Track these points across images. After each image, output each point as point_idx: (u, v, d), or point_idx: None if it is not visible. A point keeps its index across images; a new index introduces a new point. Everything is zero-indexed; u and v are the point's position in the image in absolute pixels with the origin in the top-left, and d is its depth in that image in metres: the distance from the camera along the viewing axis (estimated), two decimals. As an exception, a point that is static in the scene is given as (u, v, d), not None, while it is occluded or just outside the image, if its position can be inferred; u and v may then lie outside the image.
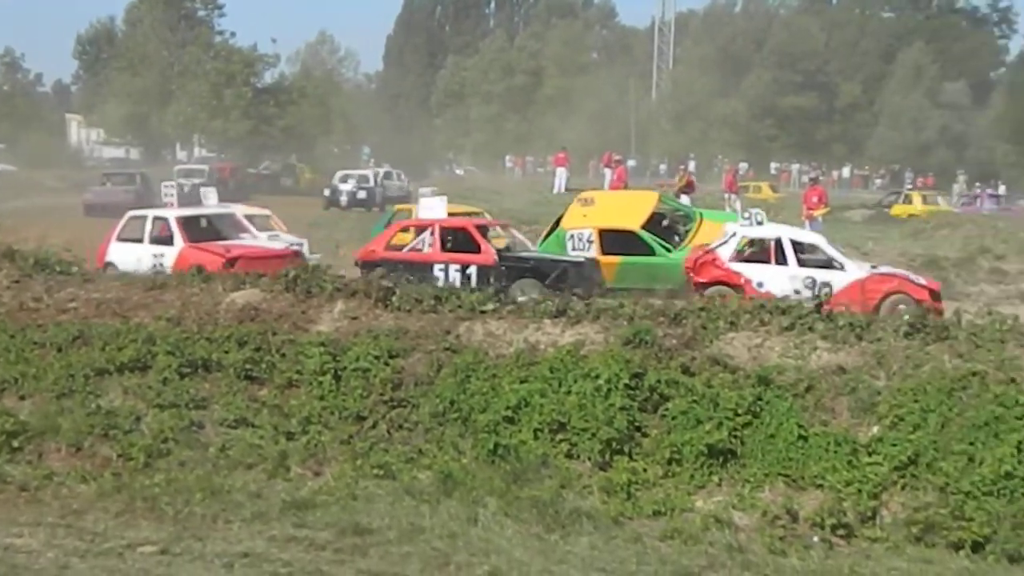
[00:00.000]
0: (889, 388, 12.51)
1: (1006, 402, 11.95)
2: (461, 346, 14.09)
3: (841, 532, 11.06)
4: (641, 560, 10.14)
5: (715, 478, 12.01)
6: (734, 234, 21.98)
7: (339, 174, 51.80)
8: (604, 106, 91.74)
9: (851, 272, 21.30)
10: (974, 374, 12.42)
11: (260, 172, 63.75)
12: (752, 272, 21.44)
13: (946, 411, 12.06)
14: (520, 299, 16.12)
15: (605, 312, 14.31)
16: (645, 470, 12.09)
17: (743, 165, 79.01)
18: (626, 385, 12.68)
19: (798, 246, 21.71)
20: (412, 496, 11.52)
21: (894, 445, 11.77)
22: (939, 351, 13.03)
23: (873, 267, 22.50)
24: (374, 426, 13.32)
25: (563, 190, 47.49)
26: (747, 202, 40.78)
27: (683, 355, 13.37)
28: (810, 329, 13.54)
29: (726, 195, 43.54)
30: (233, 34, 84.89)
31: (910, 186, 70.93)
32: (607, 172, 48.30)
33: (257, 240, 24.96)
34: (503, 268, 21.50)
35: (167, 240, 23.58)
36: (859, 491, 11.38)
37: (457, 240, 22.96)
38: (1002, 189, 79.85)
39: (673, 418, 12.54)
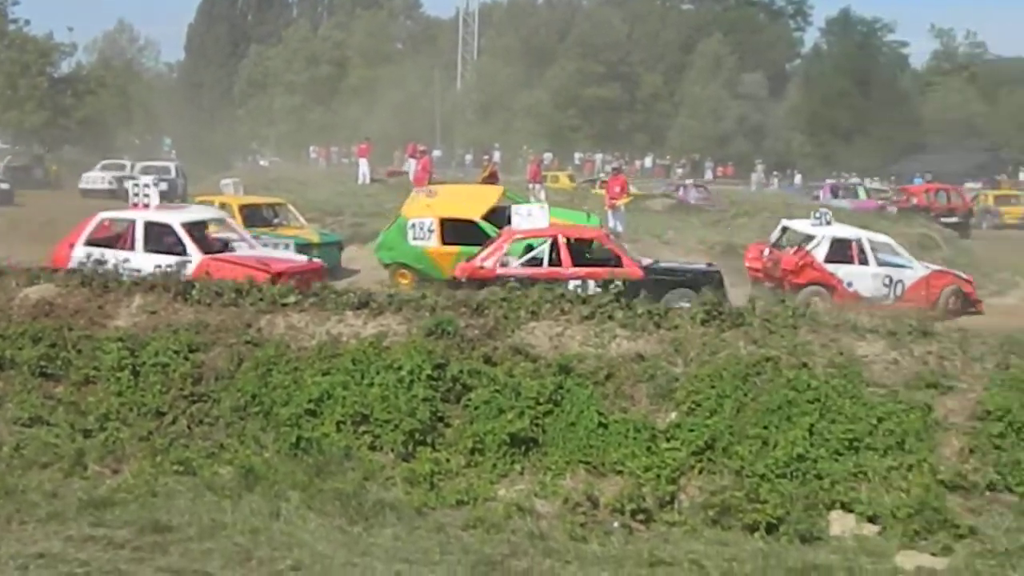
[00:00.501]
0: (686, 374, 12.74)
1: (798, 386, 12.30)
2: (263, 339, 13.91)
3: (641, 517, 11.26)
4: (444, 550, 10.20)
5: (517, 467, 12.09)
6: (821, 237, 23.18)
7: (140, 165, 51.10)
8: (409, 97, 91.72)
9: (918, 269, 22.86)
10: (768, 359, 12.73)
11: (9, 165, 61.14)
12: (843, 273, 22.43)
13: (741, 396, 12.36)
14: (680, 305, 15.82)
15: (407, 303, 14.28)
16: (448, 460, 12.13)
17: (547, 155, 79.64)
18: (428, 376, 12.68)
19: (874, 246, 22.44)
20: (213, 492, 11.40)
21: (691, 430, 12.02)
22: (734, 337, 13.30)
23: (926, 266, 23.84)
24: (174, 422, 13.09)
25: (367, 181, 47.31)
26: (548, 191, 41.28)
27: (485, 345, 13.40)
28: (610, 318, 13.68)
29: (530, 185, 43.75)
30: (28, 22, 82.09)
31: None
32: (411, 163, 48.25)
33: (256, 248, 22.85)
34: (653, 281, 20.82)
35: (173, 249, 20.91)
36: (658, 476, 11.59)
37: (591, 252, 22.22)
38: (798, 179, 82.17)
39: (475, 408, 12.58)
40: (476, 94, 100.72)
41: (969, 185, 73.14)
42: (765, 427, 12.01)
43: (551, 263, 21.04)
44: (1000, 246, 40.01)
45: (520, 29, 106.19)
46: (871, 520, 11.20)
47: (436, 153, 69.39)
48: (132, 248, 21.00)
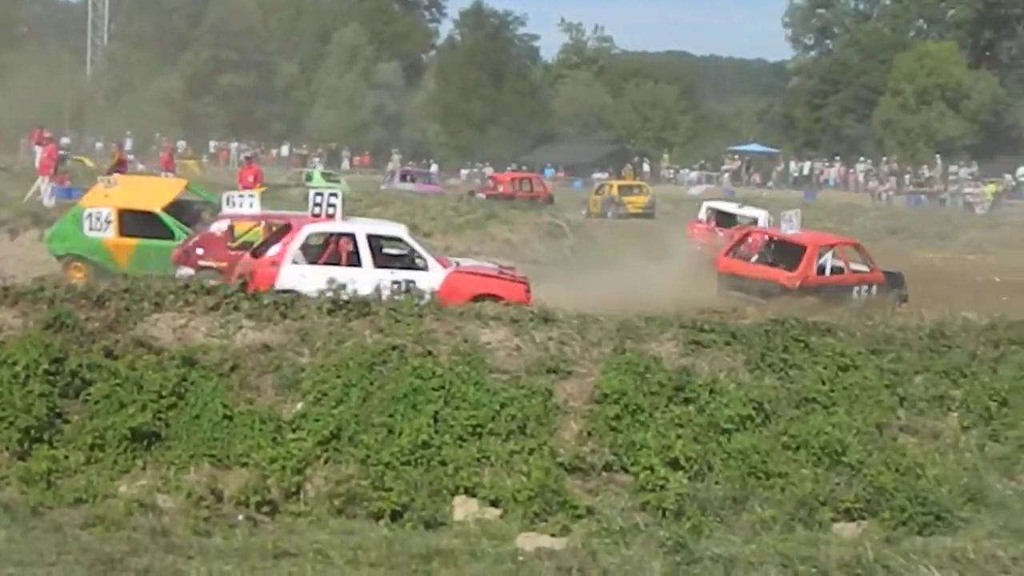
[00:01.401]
0: (313, 364, 12.73)
1: (423, 374, 12.47)
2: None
3: (266, 509, 11.19)
4: (62, 550, 9.91)
5: (139, 462, 11.81)
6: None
7: None
8: (36, 82, 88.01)
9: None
10: (394, 348, 12.86)
11: None
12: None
13: (368, 385, 12.43)
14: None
15: (24, 296, 13.69)
16: (67, 457, 11.72)
17: (181, 143, 78.12)
18: (45, 371, 12.21)
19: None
20: None
21: (317, 420, 12.02)
22: (361, 327, 13.36)
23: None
24: None
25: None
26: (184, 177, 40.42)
27: (106, 338, 13.00)
28: (235, 308, 13.52)
29: (163, 173, 42.82)
30: None
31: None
32: (38, 150, 46.42)
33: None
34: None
35: (404, 263, 19.25)
36: (283, 467, 11.53)
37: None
38: (434, 168, 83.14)
39: (96, 403, 12.20)
40: (107, 80, 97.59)
41: (596, 175, 75.83)
42: (391, 415, 12.13)
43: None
44: (623, 233, 41.69)
45: (152, 14, 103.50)
46: (494, 504, 11.47)
47: (65, 140, 66.83)
48: (358, 264, 18.82)
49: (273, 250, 19.20)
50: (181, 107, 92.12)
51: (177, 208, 23.41)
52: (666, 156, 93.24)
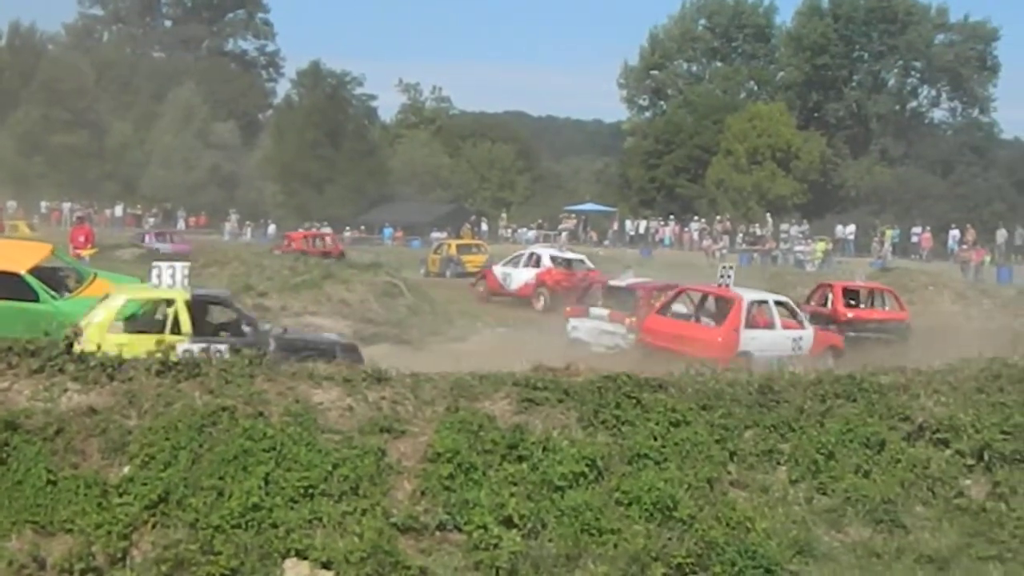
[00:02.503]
0: (140, 427, 12.47)
1: (254, 435, 12.30)
2: None
3: (91, 575, 10.91)
4: None
5: (-42, 531, 11.44)
6: None
7: None
8: None
9: None
10: (224, 409, 12.65)
11: None
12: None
13: (197, 447, 12.20)
14: None
15: None
16: None
17: (11, 204, 76.63)
18: None
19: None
20: None
21: (144, 484, 11.74)
22: (191, 388, 13.15)
23: None
24: None
25: None
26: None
27: (-76, 403, 12.62)
28: (61, 371, 13.19)
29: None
30: None
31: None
32: None
33: None
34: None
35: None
36: (109, 532, 11.24)
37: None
38: (271, 228, 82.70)
39: (-89, 470, 11.81)
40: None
41: (435, 235, 76.02)
42: (221, 478, 11.92)
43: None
44: (461, 293, 41.87)
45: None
46: (325, 566, 11.33)
47: None
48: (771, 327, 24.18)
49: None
50: (11, 167, 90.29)
51: (42, 272, 22.78)
52: (504, 215, 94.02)
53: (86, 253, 31.10)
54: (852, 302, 31.54)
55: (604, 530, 12.21)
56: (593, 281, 31.91)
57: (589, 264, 42.18)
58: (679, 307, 26.62)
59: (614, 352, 25.20)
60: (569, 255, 43.00)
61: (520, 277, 41.06)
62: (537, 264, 41.45)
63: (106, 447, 12.28)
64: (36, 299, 21.44)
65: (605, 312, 27.85)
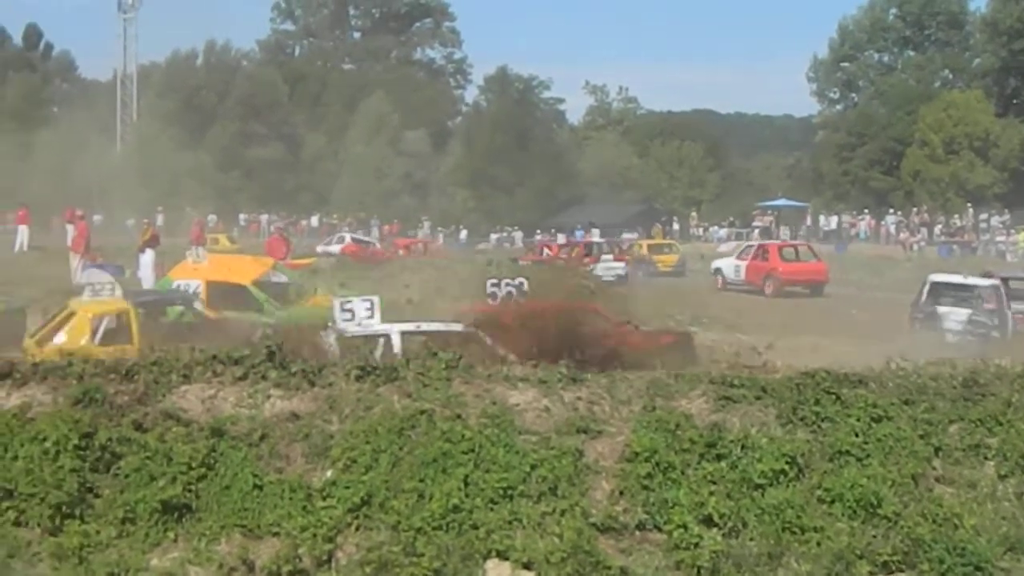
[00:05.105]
0: (341, 431, 12.68)
1: (452, 438, 12.40)
2: None
3: (298, 578, 11.13)
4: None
5: (171, 534, 11.73)
6: None
7: None
8: (66, 160, 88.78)
9: None
10: (422, 412, 12.79)
11: None
12: None
13: (397, 450, 12.35)
14: None
15: (53, 372, 13.74)
16: (98, 532, 11.66)
17: (212, 217, 78.68)
18: (76, 446, 12.20)
19: None
20: None
21: (347, 487, 11.94)
22: (389, 392, 13.33)
23: None
24: None
25: (24, 249, 45.74)
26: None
27: (136, 411, 13.00)
28: (263, 377, 13.52)
29: (193, 247, 43.04)
30: None
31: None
32: (69, 228, 46.84)
33: None
34: None
35: None
36: (314, 535, 11.44)
37: None
38: (463, 234, 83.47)
39: (126, 476, 12.18)
40: (137, 156, 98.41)
41: (626, 235, 75.84)
42: (421, 480, 12.04)
43: None
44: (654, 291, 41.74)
45: (180, 90, 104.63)
46: (526, 567, 11.35)
47: (97, 218, 67.49)
48: None
49: None
50: (210, 181, 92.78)
51: (264, 285, 23.61)
52: (694, 214, 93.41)
53: (304, 263, 31.99)
54: None
55: (806, 528, 12.01)
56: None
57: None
58: None
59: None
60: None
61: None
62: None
63: (309, 451, 12.53)
64: (260, 310, 22.17)
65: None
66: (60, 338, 19.24)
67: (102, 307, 19.91)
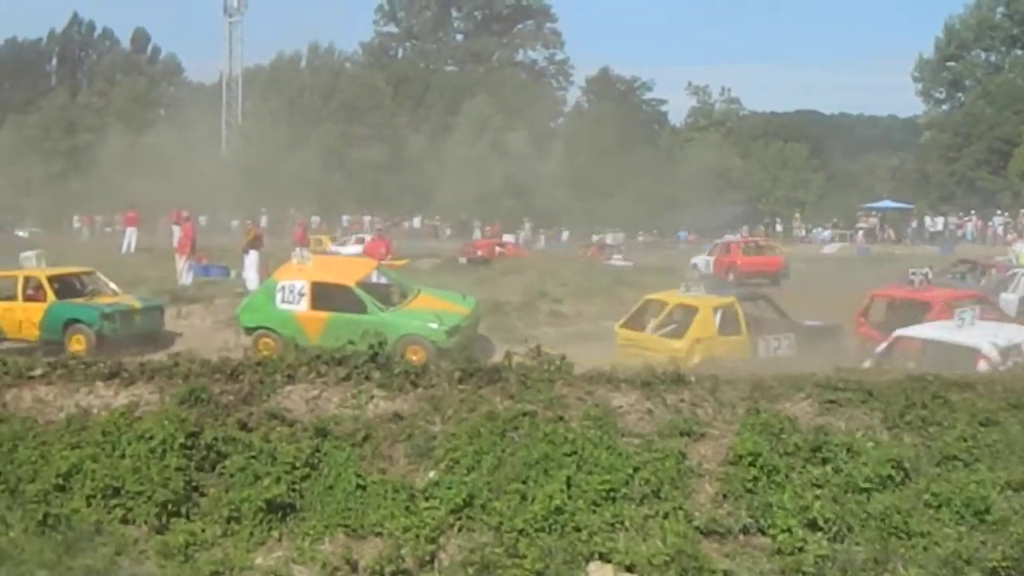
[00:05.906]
0: (444, 432, 12.72)
1: (555, 439, 12.39)
2: (7, 414, 13.41)
3: (401, 577, 11.17)
4: (200, 623, 9.95)
5: (275, 533, 11.87)
6: None
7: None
8: (173, 163, 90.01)
9: None
10: (525, 414, 12.80)
11: None
12: None
13: (499, 452, 12.38)
14: None
15: (160, 372, 13.94)
16: (203, 530, 11.84)
17: (315, 218, 79.27)
18: (182, 445, 12.39)
19: None
20: (-46, 576, 10.92)
21: (450, 488, 11.98)
22: (491, 393, 13.35)
23: None
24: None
25: (132, 250, 46.37)
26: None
27: (240, 411, 13.17)
28: (367, 378, 13.60)
29: (297, 248, 43.35)
30: None
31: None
32: (175, 229, 47.38)
33: None
34: None
35: None
36: (417, 536, 11.50)
37: None
38: (565, 235, 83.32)
39: (231, 475, 12.34)
40: (241, 158, 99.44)
41: (728, 237, 75.25)
42: (523, 482, 12.05)
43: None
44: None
45: (284, 92, 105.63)
46: (629, 569, 11.31)
47: (202, 219, 68.28)
48: None
49: None
50: (314, 182, 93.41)
51: (368, 286, 23.83)
52: (798, 215, 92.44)
53: (398, 264, 32.07)
54: None
55: (913, 533, 11.83)
56: None
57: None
58: None
59: None
60: None
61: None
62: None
63: (412, 452, 12.59)
64: (364, 310, 22.35)
65: None
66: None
67: (718, 301, 22.57)
